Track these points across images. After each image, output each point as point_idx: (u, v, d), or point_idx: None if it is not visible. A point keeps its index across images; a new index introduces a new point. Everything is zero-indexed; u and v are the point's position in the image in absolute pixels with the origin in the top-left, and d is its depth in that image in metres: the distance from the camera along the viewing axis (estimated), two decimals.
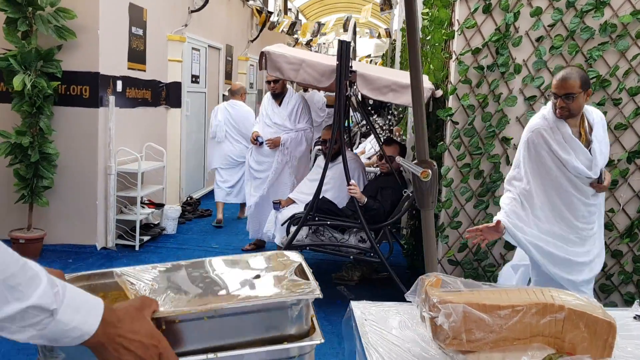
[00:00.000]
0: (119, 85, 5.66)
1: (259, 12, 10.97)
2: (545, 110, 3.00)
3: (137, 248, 5.71)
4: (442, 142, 4.13)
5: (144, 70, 6.25)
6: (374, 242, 4.22)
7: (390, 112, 7.43)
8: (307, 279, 1.38)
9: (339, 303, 4.53)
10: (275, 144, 5.54)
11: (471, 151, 4.07)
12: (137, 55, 6.04)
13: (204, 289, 1.36)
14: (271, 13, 11.43)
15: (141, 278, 1.47)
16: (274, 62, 4.21)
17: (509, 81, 4.01)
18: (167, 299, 1.30)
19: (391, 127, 7.25)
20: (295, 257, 1.50)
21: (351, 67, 4.16)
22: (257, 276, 1.39)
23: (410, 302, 1.71)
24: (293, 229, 4.54)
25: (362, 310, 1.98)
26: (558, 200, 2.97)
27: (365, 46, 27.16)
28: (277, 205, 5.21)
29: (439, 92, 4.31)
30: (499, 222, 2.91)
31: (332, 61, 4.39)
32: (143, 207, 5.94)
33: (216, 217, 6.95)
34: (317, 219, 4.33)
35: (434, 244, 2.14)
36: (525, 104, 4.03)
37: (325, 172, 4.31)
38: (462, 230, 4.14)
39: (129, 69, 5.87)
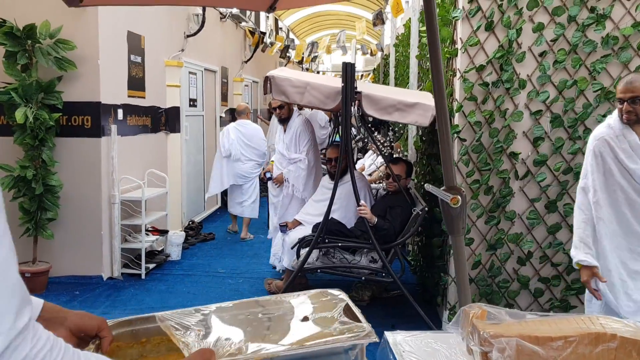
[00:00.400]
0: (120, 113, 5.65)
1: (252, 33, 11.01)
2: (611, 119, 2.91)
3: (143, 276, 5.66)
4: None
5: (144, 97, 6.24)
6: (386, 262, 4.20)
7: (390, 128, 7.45)
8: (358, 320, 1.36)
9: None
10: (279, 181, 5.67)
11: (480, 167, 4.08)
12: (136, 83, 6.03)
13: (252, 333, 1.34)
14: (264, 34, 11.47)
15: (185, 322, 1.45)
16: (279, 87, 4.22)
17: (514, 96, 4.02)
18: (219, 345, 1.27)
19: (391, 144, 7.26)
20: (340, 295, 1.48)
21: (356, 87, 4.17)
22: (306, 318, 1.37)
23: (443, 330, 1.69)
24: (302, 251, 4.52)
25: (398, 341, 1.95)
26: (627, 211, 2.84)
27: (354, 62, 27.45)
28: (284, 228, 5.19)
29: None
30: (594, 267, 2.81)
31: (336, 83, 4.40)
32: (147, 234, 5.90)
33: (232, 224, 7.73)
34: (327, 240, 4.31)
35: (465, 270, 2.13)
36: (531, 119, 4.05)
37: (335, 193, 4.30)
38: (475, 247, 4.13)
39: (129, 96, 5.86)
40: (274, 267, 5.93)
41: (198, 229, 7.49)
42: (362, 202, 4.22)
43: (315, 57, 15.86)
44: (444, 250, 4.38)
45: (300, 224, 5.24)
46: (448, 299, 4.38)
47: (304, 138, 5.64)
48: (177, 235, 6.38)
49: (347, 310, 1.40)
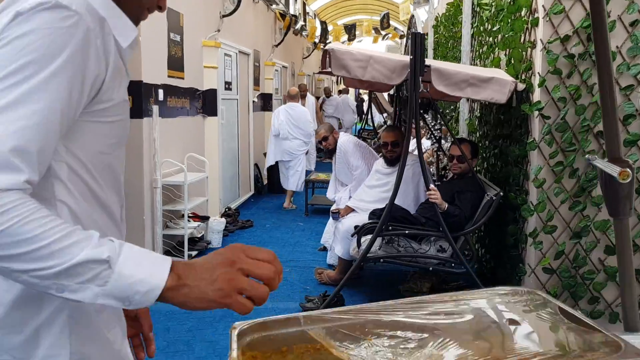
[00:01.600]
0: (161, 94, 5.36)
1: (282, 16, 10.67)
2: None
3: None
4: (531, 139, 3.78)
5: (183, 78, 5.94)
6: (458, 251, 3.88)
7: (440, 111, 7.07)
8: (581, 322, 1.04)
9: None
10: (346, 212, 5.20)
11: (564, 148, 3.73)
12: (175, 63, 5.73)
13: (480, 345, 1.03)
14: (295, 17, 11.12)
15: (344, 328, 1.14)
16: (339, 61, 3.88)
17: None
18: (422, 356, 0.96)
19: (441, 126, 6.92)
20: (539, 293, 1.16)
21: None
22: (514, 321, 1.06)
23: None
24: (362, 239, 4.21)
25: None
26: None
27: (375, 49, 26.88)
28: (336, 215, 4.89)
29: (521, 86, 3.97)
30: None
31: (400, 57, 4.07)
32: (189, 220, 5.62)
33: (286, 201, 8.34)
34: (391, 228, 3.99)
35: (631, 261, 1.79)
36: (620, 95, 3.69)
37: (401, 179, 3.97)
38: (557, 236, 3.79)
39: (168, 76, 5.57)
40: (323, 249, 5.68)
41: (235, 215, 7.21)
42: (432, 185, 3.89)
43: (360, 40, 15.35)
44: (520, 239, 4.05)
45: (352, 210, 4.93)
46: None
47: (351, 158, 5.58)
48: (218, 222, 6.10)
49: (565, 313, 1.08)
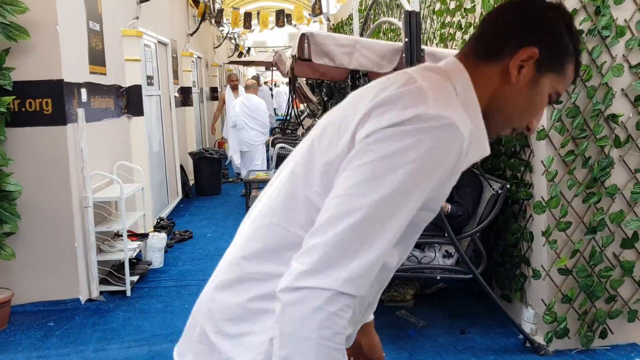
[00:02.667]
0: (84, 94, 4.51)
1: (195, 2, 9.82)
2: None
3: (128, 293, 4.60)
4: (540, 128, 3.38)
5: (105, 74, 5.09)
6: (465, 257, 3.43)
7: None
8: None
9: (412, 335, 3.72)
10: None
11: (575, 135, 3.35)
12: (97, 56, 4.88)
13: None
14: (210, 2, 10.29)
15: None
16: (321, 47, 3.29)
17: (612, 47, 3.32)
18: None
19: None
20: None
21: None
22: None
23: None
24: None
25: None
26: None
27: (273, 37, 26.08)
28: None
29: None
30: None
31: (388, 43, 3.54)
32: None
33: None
34: None
35: None
36: (630, 73, 3.36)
37: None
38: (571, 233, 3.42)
39: (91, 73, 4.71)
40: None
41: (171, 227, 6.42)
42: None
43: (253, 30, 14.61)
44: (524, 237, 3.66)
45: None
46: (529, 295, 3.68)
47: None
48: (158, 239, 5.31)
49: None
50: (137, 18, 6.05)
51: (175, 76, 8.33)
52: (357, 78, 5.16)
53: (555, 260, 3.42)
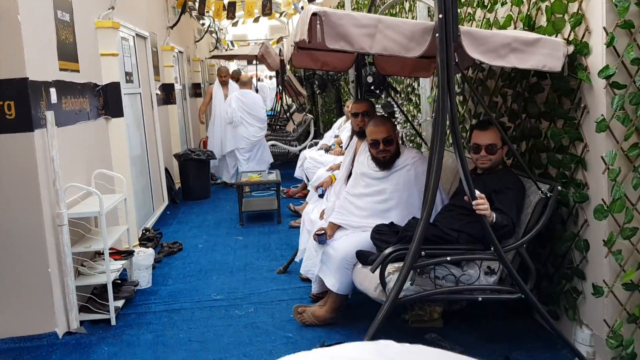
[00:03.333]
0: (53, 94, 3.89)
1: None
2: None
3: (113, 322, 4.00)
4: (600, 118, 2.84)
5: (78, 71, 4.46)
6: (516, 275, 2.89)
7: (394, 90, 6.08)
8: None
9: None
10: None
11: (638, 126, 2.82)
12: (67, 51, 4.25)
13: None
14: None
15: None
16: (336, 28, 2.71)
17: None
18: None
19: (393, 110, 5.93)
20: None
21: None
22: None
23: None
24: (385, 274, 3.10)
25: None
26: None
27: (254, 31, 25.31)
28: (323, 238, 3.73)
29: (569, 48, 3.01)
30: None
31: (415, 21, 2.98)
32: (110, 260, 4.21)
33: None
34: (423, 253, 2.92)
35: None
36: None
37: (435, 185, 2.90)
38: (637, 241, 2.90)
39: (61, 69, 4.09)
40: (304, 279, 4.52)
41: (157, 239, 5.81)
42: (479, 193, 2.84)
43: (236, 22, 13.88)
44: (577, 246, 3.13)
45: (339, 227, 3.82)
46: (583, 313, 3.16)
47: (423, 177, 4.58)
48: (145, 255, 4.71)
49: None
50: (113, 8, 5.42)
51: (156, 72, 7.69)
52: (363, 66, 4.59)
53: (620, 274, 2.89)
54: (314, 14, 2.74)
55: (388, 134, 3.68)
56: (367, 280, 3.24)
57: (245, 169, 8.13)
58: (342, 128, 7.76)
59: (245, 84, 8.60)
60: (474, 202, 2.80)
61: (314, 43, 2.90)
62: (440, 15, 2.69)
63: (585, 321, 3.16)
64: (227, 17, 11.73)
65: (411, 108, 6.07)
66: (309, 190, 6.64)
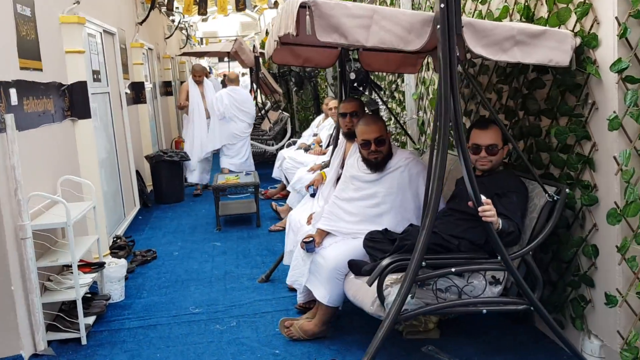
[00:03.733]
0: (13, 95, 3.56)
1: None
2: None
3: (84, 341, 3.69)
4: (613, 115, 2.65)
5: (41, 70, 4.13)
6: (526, 286, 2.68)
7: (377, 86, 5.85)
8: None
9: None
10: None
11: None
12: (29, 48, 3.91)
13: None
14: None
15: None
16: (328, 19, 2.46)
17: None
18: None
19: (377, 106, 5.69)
20: None
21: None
22: None
23: None
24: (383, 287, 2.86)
25: None
26: None
27: (225, 27, 24.85)
28: (312, 246, 3.48)
29: (577, 41, 2.81)
30: None
31: (414, 12, 2.75)
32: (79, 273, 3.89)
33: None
34: (424, 264, 2.69)
35: None
36: None
37: (438, 198, 2.67)
38: None
39: (21, 68, 3.75)
40: (292, 289, 4.23)
41: (130, 247, 5.49)
42: (485, 199, 2.62)
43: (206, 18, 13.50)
44: (585, 252, 2.94)
45: (327, 234, 3.57)
46: (591, 323, 2.97)
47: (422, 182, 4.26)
48: (117, 267, 4.40)
49: None
50: (78, 2, 5.06)
51: (125, 70, 7.33)
52: (347, 62, 4.36)
53: (634, 282, 2.70)
54: (304, 5, 2.48)
55: (380, 133, 3.44)
56: (362, 293, 3.00)
57: (227, 166, 8.26)
58: (321, 126, 7.51)
59: (233, 81, 8.63)
60: (480, 208, 2.58)
61: (301, 37, 2.64)
62: (442, 5, 2.46)
63: (594, 331, 2.98)
64: (199, 13, 11.37)
65: (395, 106, 5.84)
66: (288, 192, 6.37)
